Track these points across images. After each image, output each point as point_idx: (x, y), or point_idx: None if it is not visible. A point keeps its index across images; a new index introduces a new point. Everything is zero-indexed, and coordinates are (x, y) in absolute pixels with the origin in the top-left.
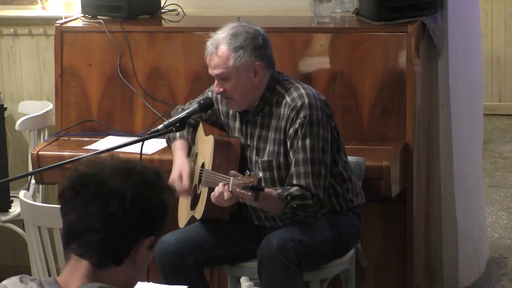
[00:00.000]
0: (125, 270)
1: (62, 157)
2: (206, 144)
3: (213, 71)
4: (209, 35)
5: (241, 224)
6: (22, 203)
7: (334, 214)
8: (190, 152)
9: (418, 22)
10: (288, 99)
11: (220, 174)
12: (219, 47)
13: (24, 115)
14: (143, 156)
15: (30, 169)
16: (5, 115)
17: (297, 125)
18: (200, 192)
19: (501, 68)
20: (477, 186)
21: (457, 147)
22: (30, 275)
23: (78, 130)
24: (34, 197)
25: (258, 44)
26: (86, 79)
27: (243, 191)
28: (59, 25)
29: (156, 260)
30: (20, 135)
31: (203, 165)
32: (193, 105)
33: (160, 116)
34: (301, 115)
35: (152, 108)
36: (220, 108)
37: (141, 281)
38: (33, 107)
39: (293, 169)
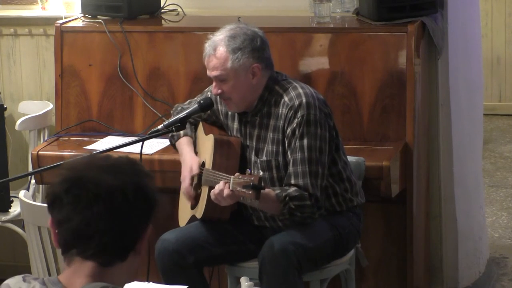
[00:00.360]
0: (129, 263)
1: (62, 157)
2: (206, 143)
3: (211, 73)
4: (207, 36)
5: (241, 224)
6: (22, 203)
7: (334, 214)
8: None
9: (418, 22)
10: (286, 98)
11: (221, 173)
12: (217, 48)
13: (24, 115)
14: (143, 156)
15: (30, 169)
16: (5, 115)
17: (294, 125)
18: (201, 191)
19: (501, 68)
20: (477, 186)
21: (457, 147)
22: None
23: (78, 130)
24: (34, 197)
25: (256, 46)
26: (86, 79)
27: (244, 190)
28: (59, 25)
29: (156, 259)
30: (20, 135)
31: (203, 164)
32: (193, 105)
33: (160, 116)
34: (299, 114)
35: (152, 108)
36: (219, 108)
37: (141, 281)
38: (33, 107)
39: (291, 168)
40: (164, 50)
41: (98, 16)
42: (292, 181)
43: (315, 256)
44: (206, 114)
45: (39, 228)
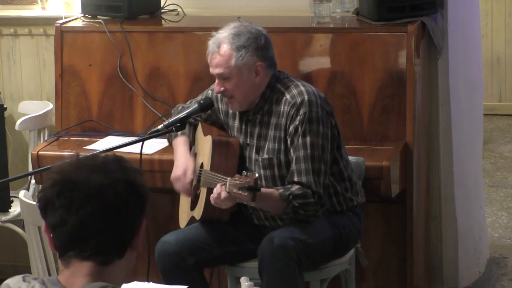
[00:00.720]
0: (127, 259)
1: (62, 157)
2: (204, 144)
3: (214, 70)
4: (210, 35)
5: (241, 224)
6: (22, 203)
7: (334, 214)
8: (192, 150)
9: (418, 22)
10: (288, 96)
11: (218, 175)
12: (221, 46)
13: (24, 115)
14: (143, 156)
15: (30, 169)
16: (5, 115)
17: (297, 122)
18: (200, 192)
19: (501, 68)
20: (477, 186)
21: (457, 147)
22: None
23: (78, 130)
24: (34, 197)
25: (260, 44)
26: (86, 79)
27: (240, 192)
28: (59, 25)
29: (156, 260)
30: (20, 135)
31: (202, 166)
32: (193, 105)
33: (160, 116)
34: (301, 112)
35: (152, 108)
36: (219, 107)
37: (141, 281)
38: (33, 107)
39: (293, 166)
40: (164, 50)
41: (98, 16)
42: (295, 179)
43: (314, 253)
44: (206, 114)
45: (39, 228)
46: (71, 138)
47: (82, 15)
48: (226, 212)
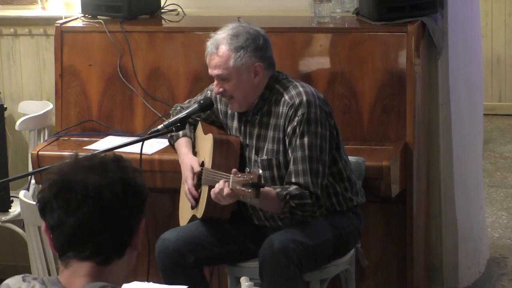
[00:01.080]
0: (127, 259)
1: (62, 157)
2: (205, 142)
3: (213, 71)
4: (209, 35)
5: (241, 223)
6: (22, 203)
7: (335, 214)
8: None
9: (418, 22)
10: (286, 97)
11: (220, 172)
12: (220, 47)
13: (24, 115)
14: (143, 156)
15: (30, 169)
16: (5, 115)
17: (295, 123)
18: (201, 191)
19: (501, 68)
20: (477, 186)
21: (457, 147)
22: None
23: (78, 130)
24: (34, 197)
25: (259, 45)
26: (86, 79)
27: (244, 188)
28: (59, 25)
29: (157, 258)
30: (20, 135)
31: (203, 164)
32: (193, 105)
33: (160, 116)
34: (299, 113)
35: (152, 108)
36: (219, 107)
37: (141, 281)
38: (33, 107)
39: (291, 167)
40: (164, 50)
41: (98, 16)
42: (293, 179)
43: (315, 254)
44: (205, 114)
45: (39, 228)
46: (71, 138)
47: (82, 15)
48: (227, 211)
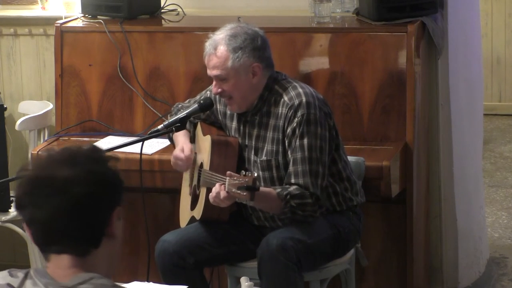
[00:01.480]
0: (106, 248)
1: None
2: (204, 144)
3: (211, 72)
4: (208, 35)
5: (240, 224)
6: None
7: (334, 213)
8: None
9: (418, 22)
10: (286, 98)
11: (217, 174)
12: (218, 47)
13: (24, 115)
14: (143, 156)
15: None
16: (5, 115)
17: (294, 124)
18: (199, 192)
19: (501, 68)
20: (477, 186)
21: (457, 147)
22: None
23: (78, 130)
24: None
25: (257, 45)
26: (86, 79)
27: (239, 191)
28: (59, 25)
29: (156, 260)
30: (20, 135)
31: (201, 165)
32: (193, 105)
33: (160, 116)
34: (299, 113)
35: (152, 108)
36: (218, 107)
37: (141, 281)
38: (33, 107)
39: (291, 168)
40: (164, 50)
41: (98, 16)
42: (293, 180)
43: (314, 253)
44: (205, 114)
45: None
46: (71, 138)
47: (82, 15)
48: (226, 212)
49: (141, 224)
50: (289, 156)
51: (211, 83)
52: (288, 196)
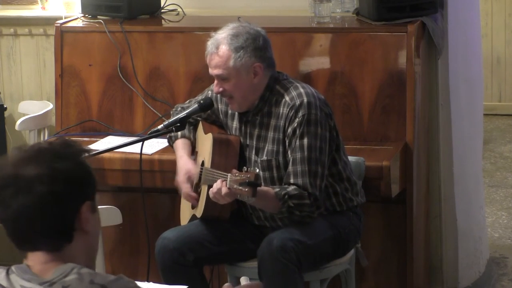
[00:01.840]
0: (80, 241)
1: None
2: (205, 142)
3: (213, 71)
4: (209, 35)
5: (241, 223)
6: None
7: (334, 214)
8: (194, 151)
9: (418, 22)
10: (287, 98)
11: (219, 172)
12: (220, 47)
13: (24, 115)
14: (143, 156)
15: None
16: (5, 115)
17: (295, 124)
18: (200, 190)
19: (501, 68)
20: (477, 186)
21: (457, 147)
22: None
23: (78, 130)
24: None
25: (258, 45)
26: (86, 79)
27: (241, 187)
28: (59, 25)
29: (156, 257)
30: (20, 135)
31: (203, 164)
32: (193, 105)
33: (160, 116)
34: (300, 114)
35: (152, 108)
36: (219, 107)
37: (141, 281)
38: (33, 107)
39: (290, 168)
40: (164, 50)
41: (98, 16)
42: (291, 180)
43: (314, 253)
44: (206, 114)
45: None
46: (71, 138)
47: (82, 15)
48: (227, 210)
49: (141, 224)
50: (289, 156)
51: (212, 83)
52: (286, 196)
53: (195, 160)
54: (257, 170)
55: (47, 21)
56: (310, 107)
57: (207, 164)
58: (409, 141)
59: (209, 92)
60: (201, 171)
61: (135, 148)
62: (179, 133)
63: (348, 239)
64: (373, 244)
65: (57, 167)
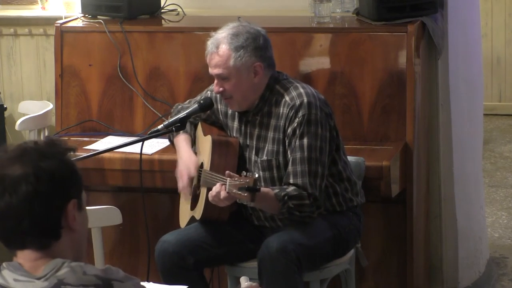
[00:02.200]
0: (67, 239)
1: None
2: (204, 144)
3: (213, 71)
4: (209, 35)
5: (240, 224)
6: None
7: (334, 214)
8: (193, 148)
9: (418, 22)
10: (287, 98)
11: (218, 175)
12: (220, 46)
13: (24, 115)
14: (143, 156)
15: None
16: (5, 115)
17: (295, 124)
18: (200, 192)
19: (501, 68)
20: (477, 186)
21: (457, 147)
22: None
23: (78, 130)
24: None
25: (259, 45)
26: (86, 79)
27: (240, 192)
28: (59, 25)
29: (156, 260)
30: (20, 135)
31: (202, 165)
32: (193, 105)
33: (160, 116)
34: (300, 114)
35: (152, 108)
36: (219, 107)
37: (141, 281)
38: (33, 107)
39: (290, 168)
40: (164, 50)
41: (98, 16)
42: (291, 180)
43: (314, 254)
44: (205, 114)
45: None
46: (71, 138)
47: (82, 15)
48: (226, 212)
49: (141, 224)
50: (289, 156)
51: (211, 83)
52: (286, 197)
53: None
54: (256, 175)
55: (47, 21)
56: (310, 107)
57: (206, 166)
58: (409, 141)
59: (209, 92)
60: (200, 173)
61: (135, 148)
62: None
63: (348, 239)
64: (373, 244)
65: (42, 166)
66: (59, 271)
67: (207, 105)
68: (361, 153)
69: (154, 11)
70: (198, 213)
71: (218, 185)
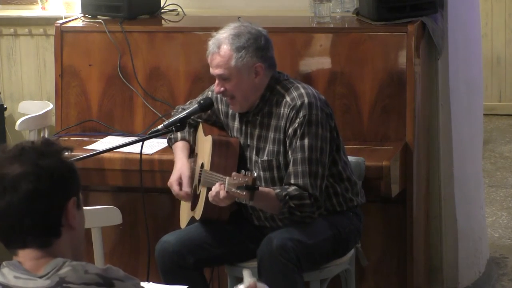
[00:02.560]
0: (67, 237)
1: None
2: (205, 144)
3: (214, 71)
4: (210, 35)
5: (241, 224)
6: None
7: (334, 214)
8: (193, 153)
9: (418, 22)
10: (288, 98)
11: (217, 174)
12: (221, 46)
13: (24, 115)
14: (143, 156)
15: None
16: (5, 115)
17: (296, 125)
18: (200, 192)
19: (501, 68)
20: (477, 186)
21: (457, 147)
22: None
23: (78, 130)
24: None
25: (260, 45)
26: (86, 79)
27: (238, 191)
28: (59, 25)
29: (157, 260)
30: (20, 135)
31: (202, 166)
32: (193, 105)
33: (160, 116)
34: (301, 114)
35: (152, 108)
36: (220, 107)
37: (141, 281)
38: (33, 107)
39: (291, 168)
40: (164, 50)
41: (98, 16)
42: (292, 181)
43: (314, 253)
44: (206, 114)
45: None
46: (71, 138)
47: (82, 15)
48: (226, 212)
49: (141, 224)
50: (290, 156)
51: (212, 83)
52: (287, 197)
53: (194, 161)
54: (255, 174)
55: (47, 21)
56: (311, 108)
57: (207, 166)
58: (409, 141)
59: (209, 92)
60: (200, 173)
61: (135, 148)
62: (179, 135)
63: (348, 239)
64: (373, 244)
65: (41, 164)
66: (60, 269)
67: (207, 105)
68: (361, 153)
69: (154, 11)
70: (198, 213)
71: (217, 184)
